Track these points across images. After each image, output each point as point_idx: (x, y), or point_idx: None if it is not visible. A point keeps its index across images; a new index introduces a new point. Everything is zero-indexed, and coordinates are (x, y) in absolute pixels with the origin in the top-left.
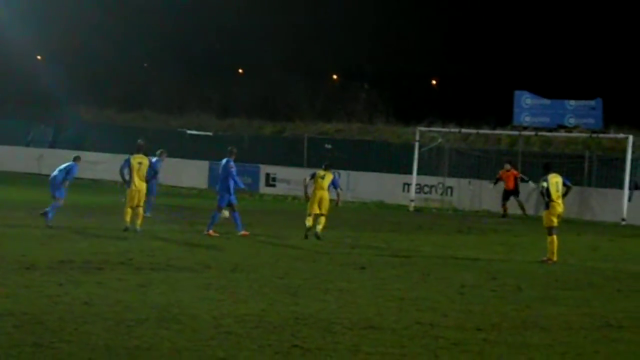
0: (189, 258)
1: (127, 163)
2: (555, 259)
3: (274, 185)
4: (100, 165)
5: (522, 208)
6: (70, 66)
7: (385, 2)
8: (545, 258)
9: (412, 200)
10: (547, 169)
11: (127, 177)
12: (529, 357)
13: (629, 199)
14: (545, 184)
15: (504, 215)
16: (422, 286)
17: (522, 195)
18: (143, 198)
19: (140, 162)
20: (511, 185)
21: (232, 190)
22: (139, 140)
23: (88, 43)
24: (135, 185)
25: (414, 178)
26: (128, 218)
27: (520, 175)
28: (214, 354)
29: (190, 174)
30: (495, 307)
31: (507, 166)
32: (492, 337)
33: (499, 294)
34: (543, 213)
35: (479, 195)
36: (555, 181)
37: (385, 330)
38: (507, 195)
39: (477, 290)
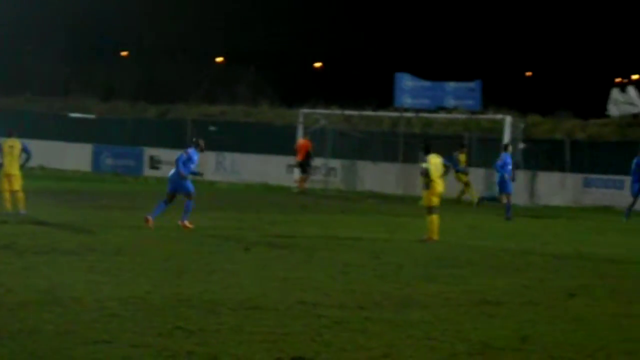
0: (72, 241)
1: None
2: (436, 237)
3: (157, 168)
4: None
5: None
6: None
7: None
8: (426, 237)
9: (295, 182)
10: (427, 150)
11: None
12: (410, 334)
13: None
14: (426, 165)
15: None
16: (306, 266)
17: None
18: (19, 181)
19: (12, 145)
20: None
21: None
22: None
23: None
24: (6, 169)
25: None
26: (8, 204)
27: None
28: (98, 336)
29: (73, 157)
30: (377, 286)
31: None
32: (373, 315)
33: (380, 272)
34: (423, 193)
35: (362, 176)
36: (435, 162)
37: (268, 310)
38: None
39: (359, 269)
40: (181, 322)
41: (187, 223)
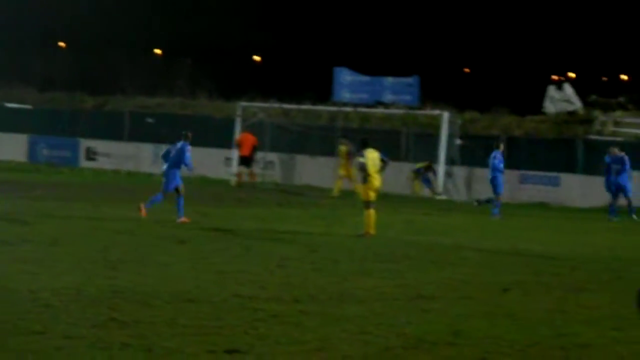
0: (7, 232)
1: None
2: (372, 232)
3: (94, 159)
4: None
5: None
6: None
7: None
8: (363, 232)
9: (233, 175)
10: (365, 145)
11: None
12: (344, 328)
13: (446, 174)
14: (363, 159)
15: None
16: (242, 259)
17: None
18: None
19: None
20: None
21: (180, 175)
22: None
23: None
24: None
25: (235, 153)
26: None
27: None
28: (31, 327)
29: (8, 147)
30: (314, 280)
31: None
32: (309, 308)
33: (317, 266)
34: (360, 188)
35: (300, 169)
36: (372, 156)
37: (203, 303)
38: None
39: (296, 263)
40: (115, 314)
41: (184, 219)
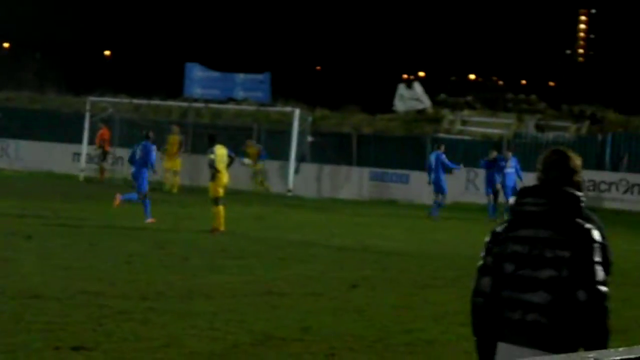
0: None
1: None
2: (222, 228)
3: None
4: None
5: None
6: None
7: None
8: (212, 228)
9: (82, 170)
10: (213, 141)
11: None
12: (193, 325)
13: (296, 171)
14: (212, 156)
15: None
16: (90, 255)
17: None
18: None
19: None
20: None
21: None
22: None
23: None
24: None
25: (84, 148)
26: None
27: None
28: None
29: None
30: (162, 276)
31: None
32: (157, 305)
33: (166, 263)
34: (209, 184)
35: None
36: (221, 152)
37: (49, 300)
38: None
39: (144, 259)
40: None
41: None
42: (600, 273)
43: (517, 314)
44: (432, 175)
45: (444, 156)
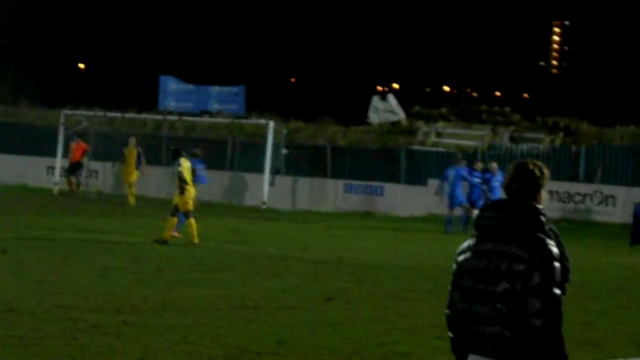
0: None
1: None
2: (196, 241)
3: None
4: None
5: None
6: None
7: None
8: (161, 238)
9: (56, 184)
10: (177, 154)
11: None
12: (167, 338)
13: (271, 183)
14: (180, 168)
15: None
16: (64, 269)
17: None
18: None
19: None
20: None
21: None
22: None
23: None
24: None
25: (58, 161)
26: None
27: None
28: None
29: None
30: (136, 290)
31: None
32: (131, 319)
33: (139, 276)
34: (177, 198)
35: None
36: (186, 165)
37: (23, 314)
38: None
39: (118, 273)
40: None
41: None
42: (557, 291)
43: (480, 327)
44: (448, 190)
45: (464, 171)
